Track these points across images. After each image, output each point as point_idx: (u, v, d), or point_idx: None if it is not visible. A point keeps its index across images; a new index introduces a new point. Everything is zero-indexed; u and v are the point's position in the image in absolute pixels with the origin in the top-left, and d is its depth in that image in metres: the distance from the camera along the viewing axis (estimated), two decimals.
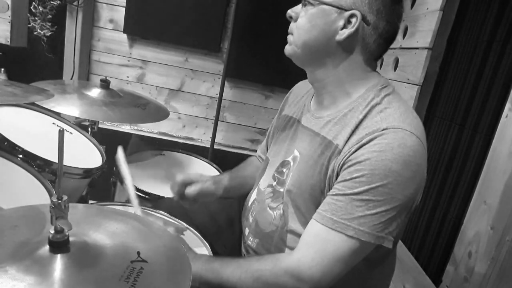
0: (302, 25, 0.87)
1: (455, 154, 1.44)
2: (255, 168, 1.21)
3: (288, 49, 0.92)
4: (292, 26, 0.90)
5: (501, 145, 1.13)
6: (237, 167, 1.28)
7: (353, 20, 0.82)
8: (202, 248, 1.06)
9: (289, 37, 0.91)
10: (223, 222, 1.19)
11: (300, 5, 0.89)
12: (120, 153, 1.11)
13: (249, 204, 1.07)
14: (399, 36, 1.72)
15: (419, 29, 1.58)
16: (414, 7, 1.66)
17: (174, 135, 2.51)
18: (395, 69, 1.74)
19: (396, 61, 1.74)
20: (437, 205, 1.47)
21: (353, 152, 0.78)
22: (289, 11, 0.90)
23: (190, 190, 1.05)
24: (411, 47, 1.62)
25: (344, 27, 0.83)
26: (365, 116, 0.82)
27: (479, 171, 1.21)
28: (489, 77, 1.33)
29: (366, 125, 0.81)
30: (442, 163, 1.49)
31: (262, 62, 2.28)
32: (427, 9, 1.54)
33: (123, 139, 2.38)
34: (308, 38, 0.86)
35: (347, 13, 0.82)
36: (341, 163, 0.80)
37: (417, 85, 1.53)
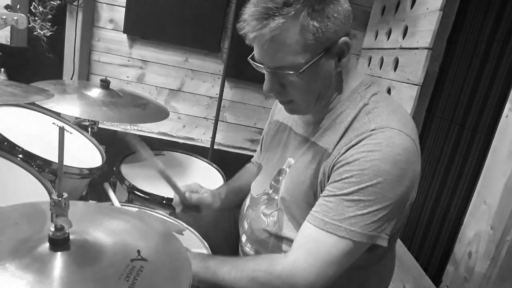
0: (300, 87, 0.81)
1: (455, 154, 1.43)
2: (252, 175, 1.20)
3: (295, 113, 0.92)
4: (283, 95, 0.85)
5: (501, 145, 1.13)
6: (234, 177, 1.27)
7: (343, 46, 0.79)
8: (202, 249, 1.06)
9: (289, 107, 0.88)
10: (218, 234, 1.18)
11: (270, 75, 0.81)
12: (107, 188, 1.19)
13: (244, 211, 1.08)
14: (399, 36, 1.72)
15: (419, 29, 1.58)
16: (414, 7, 1.66)
17: (174, 135, 2.51)
18: (395, 69, 1.74)
19: (396, 61, 1.73)
20: (437, 205, 1.46)
21: (343, 154, 0.79)
22: (269, 93, 0.85)
23: (191, 196, 1.04)
24: (411, 47, 1.62)
25: (339, 58, 0.80)
26: (354, 119, 0.82)
27: (479, 171, 1.21)
28: (489, 77, 1.33)
29: (355, 127, 0.81)
30: (442, 163, 1.49)
31: None
32: (427, 9, 1.54)
33: (123, 139, 2.38)
34: (313, 93, 0.83)
35: (335, 48, 0.78)
36: (331, 165, 0.81)
37: (417, 85, 1.53)
